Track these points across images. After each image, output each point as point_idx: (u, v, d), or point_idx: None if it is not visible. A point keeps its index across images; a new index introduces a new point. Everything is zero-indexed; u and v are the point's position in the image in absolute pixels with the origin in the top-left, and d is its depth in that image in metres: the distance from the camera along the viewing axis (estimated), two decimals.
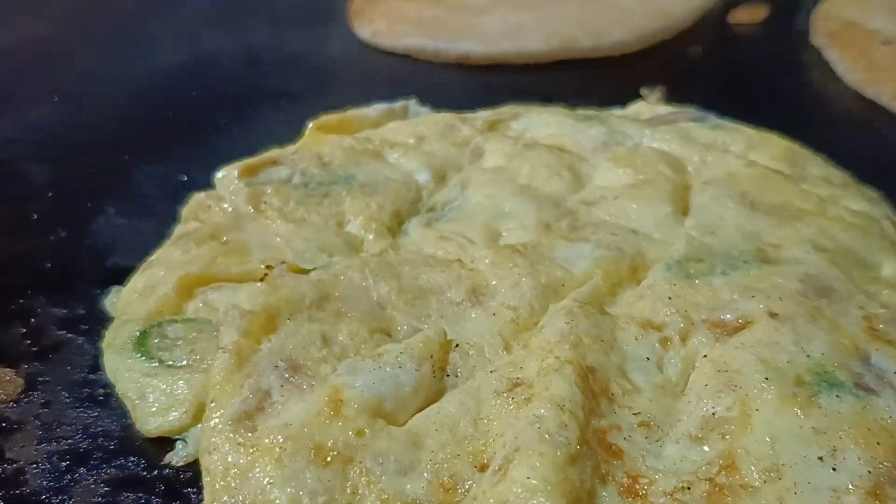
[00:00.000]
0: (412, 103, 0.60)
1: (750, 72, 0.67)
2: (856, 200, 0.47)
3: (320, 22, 0.79)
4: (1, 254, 0.50)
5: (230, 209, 0.48)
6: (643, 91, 0.60)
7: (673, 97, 0.63)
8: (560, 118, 0.55)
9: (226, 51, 0.75)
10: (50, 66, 0.75)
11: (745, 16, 0.75)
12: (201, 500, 0.34)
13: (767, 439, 0.33)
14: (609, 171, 0.50)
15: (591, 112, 0.57)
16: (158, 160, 0.58)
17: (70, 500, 0.35)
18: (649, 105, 0.58)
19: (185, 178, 0.56)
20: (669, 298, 0.39)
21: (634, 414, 0.35)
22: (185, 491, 0.35)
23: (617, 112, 0.58)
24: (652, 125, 0.53)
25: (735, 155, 0.50)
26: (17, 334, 0.43)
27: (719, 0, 0.76)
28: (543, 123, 0.55)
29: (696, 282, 0.40)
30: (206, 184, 0.52)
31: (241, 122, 0.64)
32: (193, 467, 0.36)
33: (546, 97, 0.65)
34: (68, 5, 0.88)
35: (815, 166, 0.50)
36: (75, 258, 0.49)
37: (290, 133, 0.57)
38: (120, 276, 0.46)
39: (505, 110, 0.58)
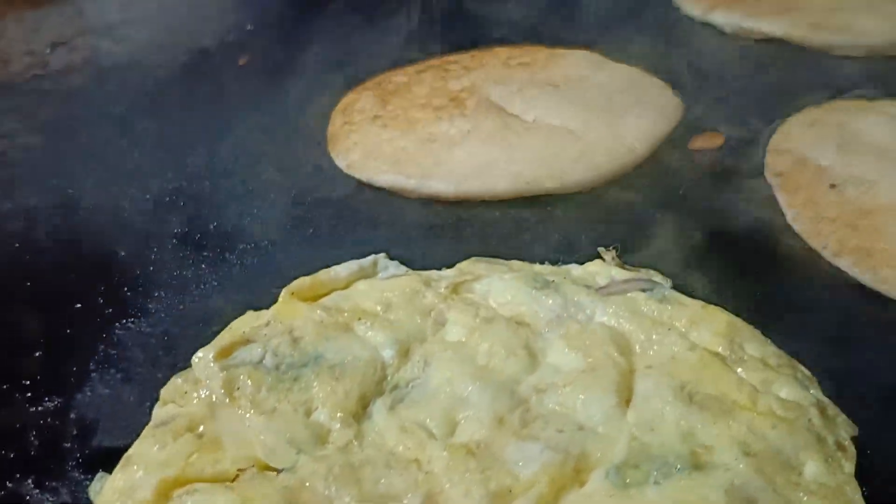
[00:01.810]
0: (381, 258, 0.63)
1: (703, 213, 0.71)
2: (788, 385, 0.51)
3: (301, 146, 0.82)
4: None
5: (205, 395, 0.51)
6: (600, 250, 0.64)
7: (632, 232, 0.68)
8: (519, 285, 0.58)
9: (209, 177, 0.78)
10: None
11: (703, 142, 0.78)
12: None
13: None
14: (561, 352, 0.53)
15: (549, 275, 0.60)
16: (137, 315, 0.61)
17: None
18: (605, 265, 0.61)
19: (166, 338, 0.59)
20: None
21: None
22: None
23: (575, 272, 0.61)
24: (603, 297, 0.57)
25: (679, 333, 0.54)
26: None
27: (678, 129, 0.80)
28: (503, 289, 0.58)
29: (631, 492, 0.44)
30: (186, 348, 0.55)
31: (222, 267, 0.67)
32: None
33: (509, 237, 0.69)
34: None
35: (754, 345, 0.54)
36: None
37: (270, 280, 0.61)
38: (105, 459, 0.50)
39: (468, 270, 0.61)
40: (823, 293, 0.61)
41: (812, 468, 0.46)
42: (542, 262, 0.63)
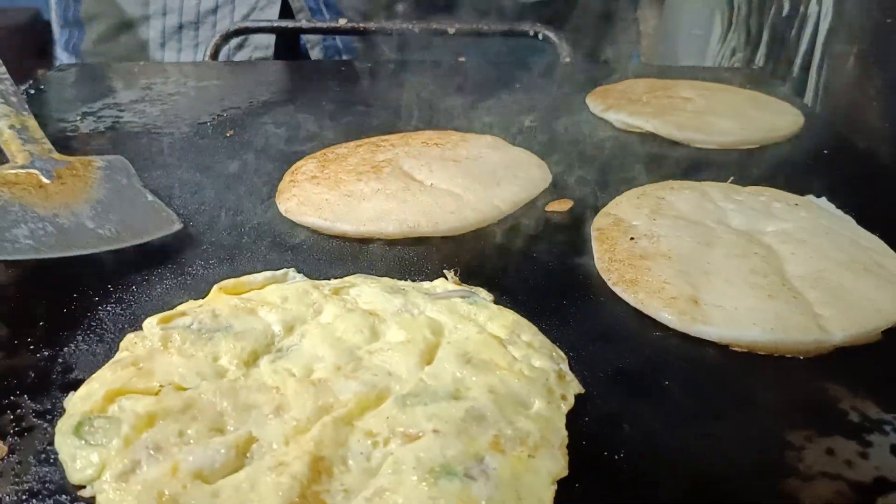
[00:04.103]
0: (291, 272, 0.88)
1: (537, 258, 0.95)
2: (541, 359, 0.74)
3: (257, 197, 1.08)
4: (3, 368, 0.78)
5: (149, 345, 0.76)
6: (444, 271, 0.88)
7: (482, 263, 0.92)
8: (378, 290, 0.83)
9: (185, 215, 1.04)
10: None
11: (556, 206, 1.03)
12: None
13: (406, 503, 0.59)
14: (394, 332, 0.77)
15: (403, 285, 0.85)
16: (115, 303, 0.87)
17: None
18: (445, 282, 0.86)
19: (132, 317, 0.84)
20: (387, 418, 0.66)
21: (341, 485, 0.62)
22: None
23: (424, 285, 0.86)
24: (433, 300, 0.81)
25: (476, 324, 0.78)
26: (6, 420, 0.71)
27: (542, 196, 1.05)
28: (368, 294, 0.83)
29: (407, 408, 0.67)
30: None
31: (180, 273, 0.92)
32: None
33: (393, 265, 0.93)
34: None
35: (528, 334, 0.78)
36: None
37: (212, 282, 0.86)
38: (77, 385, 0.74)
39: (348, 280, 0.86)
40: (600, 308, 0.85)
41: (537, 405, 0.69)
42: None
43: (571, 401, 0.71)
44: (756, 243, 0.91)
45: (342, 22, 1.79)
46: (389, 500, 0.59)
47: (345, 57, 2.07)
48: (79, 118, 1.36)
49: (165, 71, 1.66)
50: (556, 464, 0.64)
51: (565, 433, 0.67)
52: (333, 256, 0.95)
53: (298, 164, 1.12)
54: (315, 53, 2.04)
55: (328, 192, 1.02)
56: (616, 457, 0.67)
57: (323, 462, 0.63)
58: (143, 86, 1.53)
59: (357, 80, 1.60)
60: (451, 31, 1.75)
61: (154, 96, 1.48)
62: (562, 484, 0.63)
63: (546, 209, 1.03)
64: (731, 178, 1.09)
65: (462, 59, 1.67)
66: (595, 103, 1.37)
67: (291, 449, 0.64)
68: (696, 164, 1.17)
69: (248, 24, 1.81)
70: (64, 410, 0.70)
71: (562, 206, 1.03)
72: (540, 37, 1.75)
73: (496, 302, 0.84)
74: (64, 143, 1.19)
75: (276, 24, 1.83)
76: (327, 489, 0.61)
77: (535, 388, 0.71)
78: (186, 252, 0.95)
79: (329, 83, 1.58)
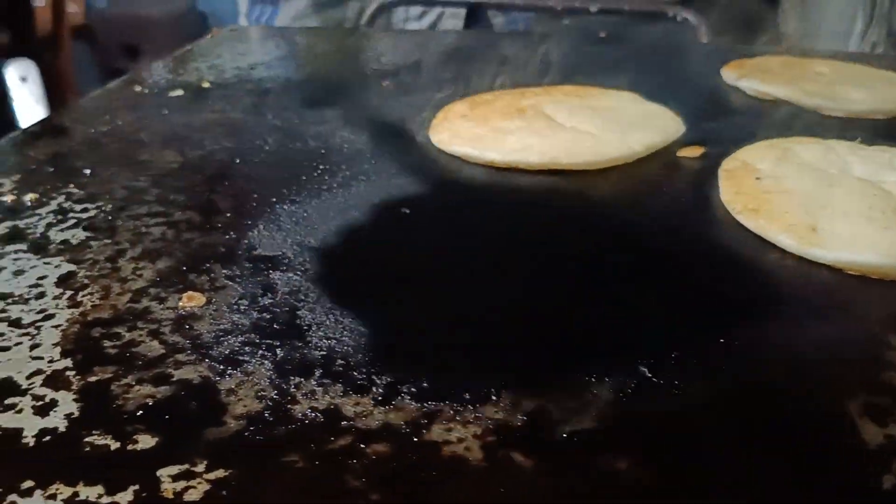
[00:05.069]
0: None
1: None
2: None
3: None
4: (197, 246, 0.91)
5: None
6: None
7: (610, 200, 1.01)
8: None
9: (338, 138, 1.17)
10: None
11: (687, 152, 1.11)
12: None
13: None
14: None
15: None
16: (290, 203, 1.00)
17: None
18: None
19: (305, 215, 0.97)
20: None
21: None
22: None
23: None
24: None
25: None
26: (203, 280, 0.84)
27: (675, 144, 1.13)
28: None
29: None
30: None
31: (348, 187, 1.05)
32: None
33: (535, 190, 1.03)
34: None
35: None
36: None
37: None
38: (261, 259, 0.87)
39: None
40: (723, 233, 0.93)
41: None
42: None
43: None
44: (877, 188, 0.97)
45: None
46: None
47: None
48: (250, 68, 1.52)
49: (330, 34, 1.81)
50: None
51: None
52: (476, 181, 1.06)
53: (449, 105, 1.24)
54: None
55: (476, 127, 1.13)
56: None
57: None
58: (306, 45, 1.68)
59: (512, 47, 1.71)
60: (593, 9, 1.83)
61: (318, 51, 1.62)
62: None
63: (677, 154, 1.11)
64: (859, 138, 1.14)
65: (603, 34, 1.76)
66: (729, 73, 1.43)
67: None
68: (825, 129, 1.22)
69: None
70: None
71: (693, 152, 1.11)
72: (678, 19, 1.82)
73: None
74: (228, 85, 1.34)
75: None
76: None
77: None
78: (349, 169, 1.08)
79: (476, 49, 1.69)
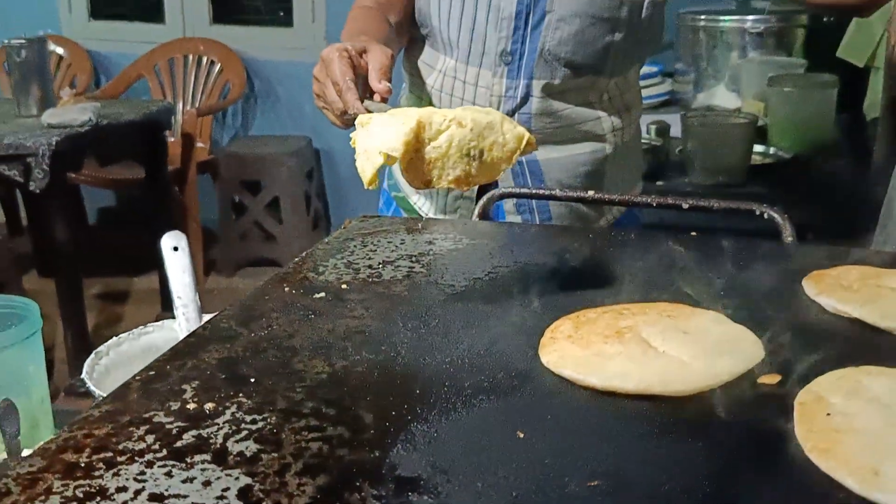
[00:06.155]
0: None
1: None
2: None
3: None
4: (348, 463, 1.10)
5: None
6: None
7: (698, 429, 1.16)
8: None
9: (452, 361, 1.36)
10: None
11: (766, 379, 1.26)
12: None
13: None
14: None
15: None
16: None
17: None
18: None
19: None
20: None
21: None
22: None
23: None
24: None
25: None
26: None
27: (750, 367, 1.28)
28: None
29: None
30: None
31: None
32: None
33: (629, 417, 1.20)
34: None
35: None
36: None
37: None
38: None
39: None
40: (793, 470, 1.07)
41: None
42: None
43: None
44: None
45: (590, 193, 2.11)
46: None
47: (538, 219, 2.35)
48: (380, 266, 1.75)
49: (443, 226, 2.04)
50: None
51: None
52: (582, 401, 1.23)
53: (556, 323, 1.42)
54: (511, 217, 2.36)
55: (580, 350, 1.31)
56: None
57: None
58: (427, 240, 1.91)
59: (590, 245, 1.89)
60: (685, 206, 2.01)
61: (436, 250, 1.84)
62: None
63: (758, 381, 1.27)
64: None
65: (694, 234, 1.92)
66: (810, 286, 1.59)
67: None
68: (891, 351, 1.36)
69: (511, 189, 2.16)
70: None
71: (771, 379, 1.26)
72: (765, 216, 1.98)
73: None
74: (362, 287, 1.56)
75: (534, 191, 2.18)
76: None
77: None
78: None
79: (569, 245, 1.88)
